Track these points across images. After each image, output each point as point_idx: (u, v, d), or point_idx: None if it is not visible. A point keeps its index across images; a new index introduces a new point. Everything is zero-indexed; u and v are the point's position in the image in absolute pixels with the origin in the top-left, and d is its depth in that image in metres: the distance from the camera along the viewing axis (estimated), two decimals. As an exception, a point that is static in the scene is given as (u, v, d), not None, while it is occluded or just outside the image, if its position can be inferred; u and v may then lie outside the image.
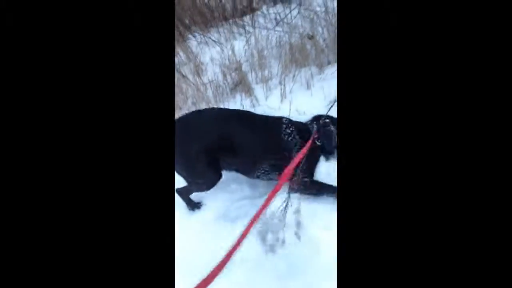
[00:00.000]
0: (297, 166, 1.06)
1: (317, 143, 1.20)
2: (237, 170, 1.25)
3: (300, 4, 1.98)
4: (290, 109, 1.46)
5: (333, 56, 1.70)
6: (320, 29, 1.70)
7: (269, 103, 1.65)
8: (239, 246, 0.78)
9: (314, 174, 1.22)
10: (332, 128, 1.21)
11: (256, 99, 1.69)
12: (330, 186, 1.17)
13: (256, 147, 1.16)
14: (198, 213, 1.32)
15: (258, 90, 1.74)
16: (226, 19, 2.35)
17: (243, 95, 1.74)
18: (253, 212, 1.17)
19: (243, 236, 0.80)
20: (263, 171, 1.20)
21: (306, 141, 1.14)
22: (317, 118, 1.27)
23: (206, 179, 1.19)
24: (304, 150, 1.09)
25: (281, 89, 1.63)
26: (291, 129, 1.19)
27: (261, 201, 1.16)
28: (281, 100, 1.64)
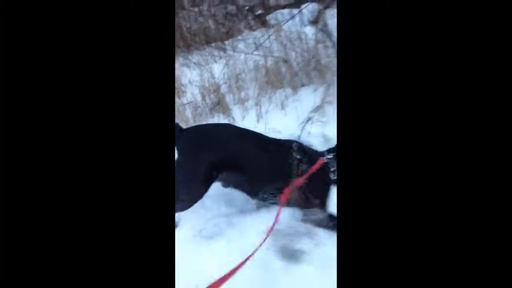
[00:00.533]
0: (297, 188, 1.06)
1: (330, 170, 1.14)
2: (241, 189, 1.22)
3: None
4: (266, 128, 1.52)
5: (306, 79, 1.80)
6: (293, 53, 1.80)
7: (245, 123, 1.71)
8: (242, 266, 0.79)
9: (326, 202, 1.16)
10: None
11: (234, 119, 1.75)
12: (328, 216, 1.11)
13: (266, 169, 1.15)
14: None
15: (236, 110, 1.80)
16: (208, 43, 2.46)
17: (221, 115, 1.80)
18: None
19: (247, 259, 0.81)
20: (269, 194, 1.17)
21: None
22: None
23: (193, 195, 1.15)
24: (307, 175, 1.07)
25: (257, 110, 1.70)
26: (299, 156, 1.15)
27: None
28: (257, 120, 1.70)
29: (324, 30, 1.80)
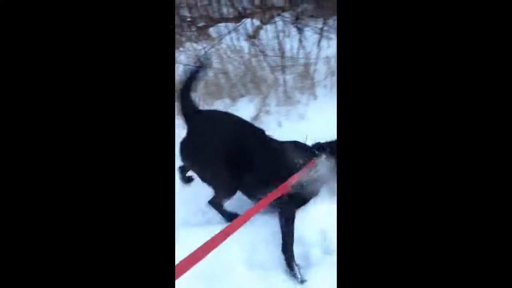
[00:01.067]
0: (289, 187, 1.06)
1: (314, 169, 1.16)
2: (243, 191, 1.20)
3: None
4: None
5: (244, 90, 1.90)
6: (231, 66, 1.90)
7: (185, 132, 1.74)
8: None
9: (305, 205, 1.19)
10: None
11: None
12: (291, 232, 1.11)
13: (268, 170, 1.13)
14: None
15: (178, 120, 1.82)
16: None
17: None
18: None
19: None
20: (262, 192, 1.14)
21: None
22: (322, 147, 1.26)
23: (224, 182, 1.14)
24: (298, 174, 1.08)
25: (197, 120, 1.74)
26: (304, 160, 1.16)
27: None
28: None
29: (258, 44, 1.94)
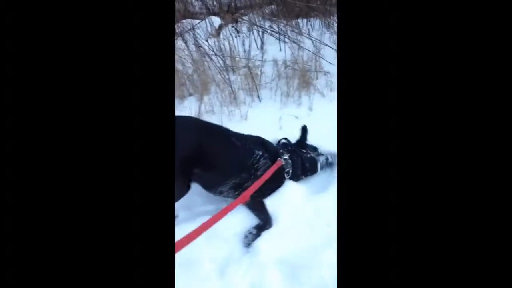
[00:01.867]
0: (258, 189, 1.08)
1: (285, 170, 1.23)
2: (201, 184, 1.21)
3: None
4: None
5: (193, 89, 1.93)
6: (180, 65, 1.93)
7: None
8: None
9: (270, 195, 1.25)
10: (300, 156, 1.29)
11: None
12: (268, 216, 1.18)
13: (228, 164, 1.15)
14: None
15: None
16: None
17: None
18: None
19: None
20: (227, 188, 1.19)
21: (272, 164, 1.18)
22: (284, 145, 1.34)
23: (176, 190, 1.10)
24: (268, 174, 1.12)
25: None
26: (262, 152, 1.20)
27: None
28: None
29: (210, 44, 1.96)
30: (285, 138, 1.39)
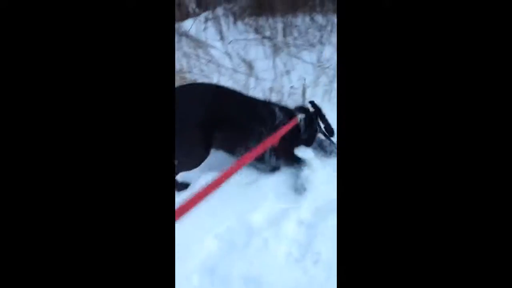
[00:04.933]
0: (271, 145, 1.11)
1: (300, 127, 1.27)
2: (224, 149, 1.24)
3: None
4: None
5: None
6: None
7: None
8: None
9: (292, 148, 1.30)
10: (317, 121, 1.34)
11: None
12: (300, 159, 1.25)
13: (248, 124, 1.19)
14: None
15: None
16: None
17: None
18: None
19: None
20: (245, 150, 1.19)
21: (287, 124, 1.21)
22: (300, 109, 1.36)
23: (195, 155, 1.15)
24: (285, 128, 1.14)
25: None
26: (280, 114, 1.25)
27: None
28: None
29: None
30: (312, 101, 1.42)
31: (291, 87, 1.53)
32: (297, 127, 1.25)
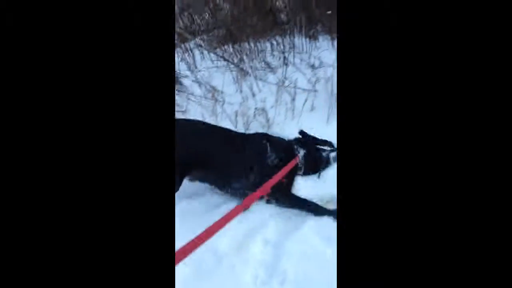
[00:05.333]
0: (275, 184, 1.10)
1: (299, 165, 1.24)
2: (211, 183, 1.25)
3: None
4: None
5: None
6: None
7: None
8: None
9: (291, 189, 1.27)
10: (323, 153, 1.31)
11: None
12: (302, 200, 1.19)
13: (235, 164, 1.18)
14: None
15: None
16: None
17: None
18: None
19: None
20: (238, 187, 1.21)
21: (287, 161, 1.20)
22: (299, 140, 1.33)
23: None
24: (286, 169, 1.14)
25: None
26: (272, 149, 1.23)
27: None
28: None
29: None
30: (301, 131, 1.39)
31: (256, 109, 1.57)
32: (296, 166, 1.24)
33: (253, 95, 1.80)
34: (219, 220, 0.78)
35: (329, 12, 2.13)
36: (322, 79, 1.66)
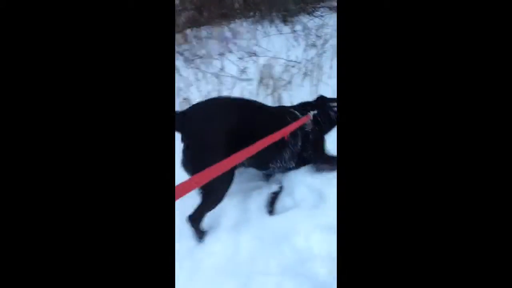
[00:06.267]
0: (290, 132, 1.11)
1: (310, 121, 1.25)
2: (253, 165, 1.19)
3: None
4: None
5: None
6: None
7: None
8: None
9: (324, 149, 1.30)
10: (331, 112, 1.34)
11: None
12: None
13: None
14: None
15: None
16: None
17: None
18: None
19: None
20: (277, 163, 1.20)
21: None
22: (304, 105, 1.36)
23: (221, 182, 1.01)
24: (295, 125, 1.13)
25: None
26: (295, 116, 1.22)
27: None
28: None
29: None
30: (321, 96, 1.42)
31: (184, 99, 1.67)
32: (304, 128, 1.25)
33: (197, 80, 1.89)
34: (223, 162, 0.70)
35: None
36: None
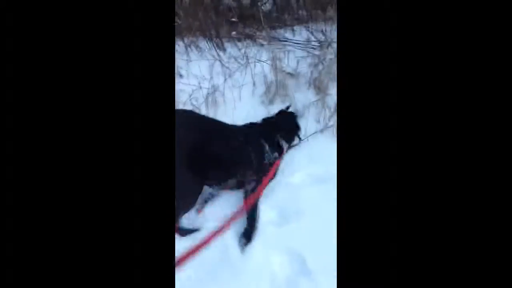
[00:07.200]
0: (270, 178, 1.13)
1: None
2: (208, 183, 1.16)
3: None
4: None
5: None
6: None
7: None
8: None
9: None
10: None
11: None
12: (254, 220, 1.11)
13: (231, 159, 1.11)
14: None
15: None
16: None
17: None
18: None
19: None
20: (235, 182, 1.17)
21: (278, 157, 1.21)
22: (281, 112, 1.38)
23: (190, 190, 1.03)
24: (275, 167, 1.15)
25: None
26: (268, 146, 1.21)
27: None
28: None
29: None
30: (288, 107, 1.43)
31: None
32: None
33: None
34: (224, 223, 0.78)
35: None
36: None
